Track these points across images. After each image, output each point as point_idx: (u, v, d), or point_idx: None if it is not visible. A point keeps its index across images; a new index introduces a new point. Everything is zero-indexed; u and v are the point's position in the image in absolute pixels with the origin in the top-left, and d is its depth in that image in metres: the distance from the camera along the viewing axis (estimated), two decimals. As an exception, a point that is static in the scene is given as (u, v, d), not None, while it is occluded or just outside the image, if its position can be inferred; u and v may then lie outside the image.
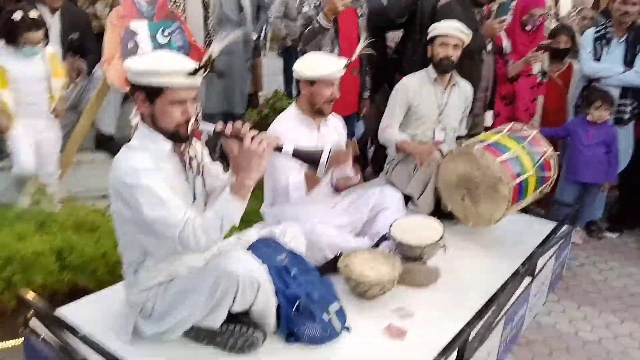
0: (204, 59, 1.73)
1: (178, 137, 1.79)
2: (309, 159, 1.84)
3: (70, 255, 2.64)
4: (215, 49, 1.77)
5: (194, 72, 1.72)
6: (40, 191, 3.22)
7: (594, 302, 3.13)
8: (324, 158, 1.80)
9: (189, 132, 1.78)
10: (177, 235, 1.69)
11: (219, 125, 1.81)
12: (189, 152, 1.89)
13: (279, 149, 1.80)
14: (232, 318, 1.90)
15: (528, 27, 3.80)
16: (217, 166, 2.04)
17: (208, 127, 1.84)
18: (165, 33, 3.34)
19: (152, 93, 1.72)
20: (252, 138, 1.74)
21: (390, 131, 3.19)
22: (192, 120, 1.78)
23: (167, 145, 1.79)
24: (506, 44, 3.89)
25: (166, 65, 1.71)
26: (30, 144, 3.14)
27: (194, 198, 1.90)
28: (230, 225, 1.74)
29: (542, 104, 4.06)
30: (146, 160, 1.72)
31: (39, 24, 3.06)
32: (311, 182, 2.52)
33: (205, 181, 1.97)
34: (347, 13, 3.36)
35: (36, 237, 2.65)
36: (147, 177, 1.68)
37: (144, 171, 1.69)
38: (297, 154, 1.83)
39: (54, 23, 3.60)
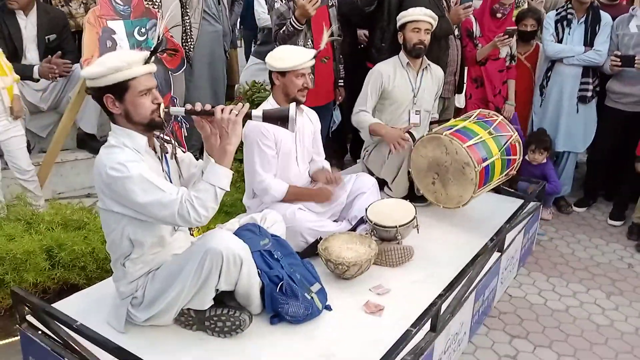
0: (155, 44, 1.85)
1: (155, 125, 1.89)
2: (279, 117, 1.93)
3: (60, 253, 2.72)
4: (160, 29, 1.89)
5: (149, 57, 1.83)
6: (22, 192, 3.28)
7: (562, 273, 3.32)
8: (292, 114, 1.89)
9: (162, 117, 1.89)
10: (175, 212, 1.79)
11: (189, 106, 1.92)
12: (162, 136, 2.00)
13: (249, 115, 1.90)
14: (219, 303, 2.03)
15: (498, 15, 3.91)
16: (189, 155, 2.15)
17: (179, 110, 1.94)
18: (142, 31, 3.40)
19: (120, 90, 1.81)
20: (222, 109, 1.85)
21: (363, 115, 3.26)
22: (162, 106, 1.89)
23: (143, 140, 1.89)
24: (476, 27, 4.02)
25: (124, 60, 1.80)
26: None
27: None
28: (223, 193, 1.85)
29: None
30: (129, 154, 1.82)
31: None
32: (292, 195, 2.67)
33: (180, 170, 2.08)
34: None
35: (26, 237, 2.73)
36: (134, 168, 1.78)
37: (130, 163, 1.79)
38: (267, 117, 1.93)
39: (29, 24, 3.62)
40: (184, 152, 2.17)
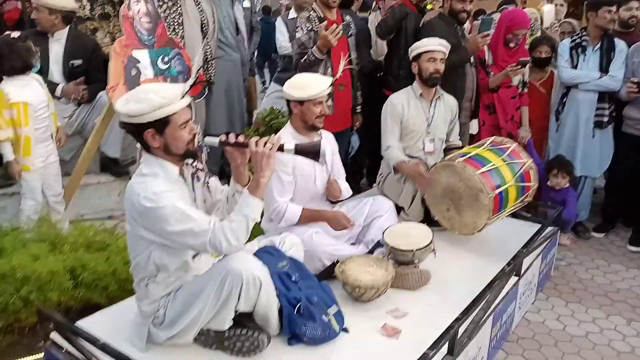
0: (192, 75, 1.94)
1: (190, 154, 1.97)
2: (310, 151, 2.02)
3: (83, 273, 2.77)
4: (197, 62, 1.97)
5: (187, 91, 1.91)
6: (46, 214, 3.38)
7: (581, 299, 3.29)
8: (322, 148, 2.01)
9: (196, 146, 1.97)
10: (207, 241, 1.85)
11: (223, 137, 2.01)
12: (194, 165, 2.08)
13: (281, 148, 1.99)
14: (238, 323, 2.07)
15: (511, 45, 3.96)
16: (215, 180, 2.22)
17: (213, 140, 2.02)
18: (165, 59, 3.53)
19: (161, 125, 1.88)
20: (256, 142, 1.93)
21: (392, 151, 3.29)
22: (197, 135, 1.97)
23: (175, 170, 1.97)
24: (488, 56, 4.08)
25: (165, 97, 1.85)
26: (41, 182, 3.29)
27: None
28: (253, 224, 1.91)
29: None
30: (161, 184, 1.88)
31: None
32: (305, 218, 2.73)
33: (211, 196, 2.14)
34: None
35: (50, 257, 2.79)
36: (168, 198, 1.84)
37: (163, 193, 1.85)
38: (299, 150, 2.02)
39: (56, 47, 3.78)
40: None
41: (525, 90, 4.12)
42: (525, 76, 4.10)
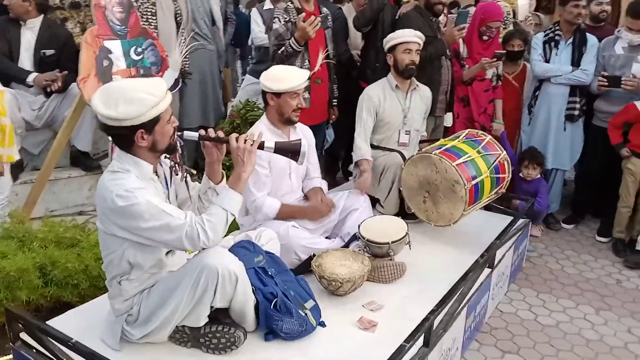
0: (173, 67, 1.90)
1: (172, 148, 1.93)
2: (290, 151, 2.03)
3: (53, 270, 2.71)
4: (174, 58, 1.94)
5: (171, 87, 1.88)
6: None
7: (552, 289, 3.36)
8: (303, 149, 2.00)
9: (175, 140, 1.93)
10: (183, 235, 1.81)
11: (202, 132, 1.99)
12: (172, 159, 2.03)
13: (261, 146, 1.98)
14: (214, 320, 2.05)
15: (485, 37, 4.01)
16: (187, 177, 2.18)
17: (192, 135, 2.00)
18: (138, 50, 3.45)
19: (152, 124, 1.81)
20: (237, 138, 1.93)
21: (358, 141, 3.30)
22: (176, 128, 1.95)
23: (149, 167, 1.92)
24: (463, 48, 4.12)
25: (156, 94, 1.79)
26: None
27: None
28: (232, 219, 1.90)
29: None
30: (134, 181, 1.83)
31: None
32: (284, 214, 2.72)
33: (180, 191, 2.11)
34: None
35: (19, 255, 2.71)
36: (141, 195, 1.79)
37: (136, 190, 1.80)
38: (279, 149, 2.02)
39: (28, 35, 3.67)
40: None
41: (499, 83, 4.17)
42: (499, 69, 4.14)
